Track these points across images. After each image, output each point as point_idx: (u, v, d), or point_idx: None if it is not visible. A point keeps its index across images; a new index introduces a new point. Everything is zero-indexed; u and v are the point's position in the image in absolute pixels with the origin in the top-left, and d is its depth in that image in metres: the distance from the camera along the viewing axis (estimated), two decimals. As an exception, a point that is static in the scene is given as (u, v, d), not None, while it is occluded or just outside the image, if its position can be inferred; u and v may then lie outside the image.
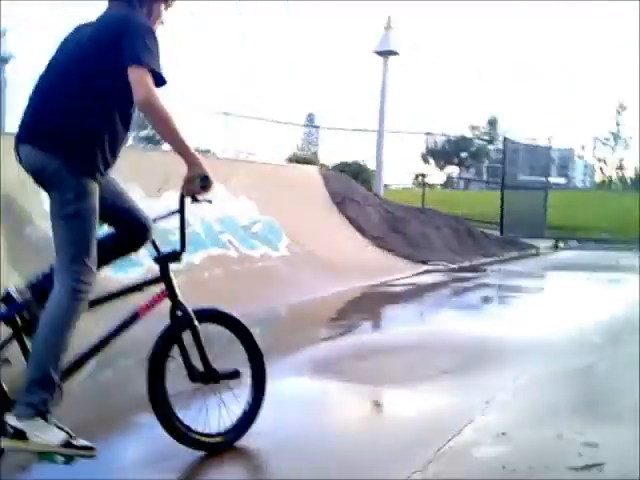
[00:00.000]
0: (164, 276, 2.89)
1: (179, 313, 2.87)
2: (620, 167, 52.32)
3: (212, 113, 25.29)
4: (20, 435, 2.29)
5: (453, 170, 50.35)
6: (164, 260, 2.92)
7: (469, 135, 48.74)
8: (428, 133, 21.78)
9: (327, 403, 3.77)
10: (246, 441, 3.06)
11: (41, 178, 2.61)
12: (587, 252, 14.60)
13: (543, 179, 19.02)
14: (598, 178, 50.46)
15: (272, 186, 9.90)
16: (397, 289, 8.81)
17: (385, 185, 18.28)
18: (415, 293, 8.63)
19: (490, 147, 49.15)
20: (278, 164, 13.85)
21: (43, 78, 2.67)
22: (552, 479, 2.73)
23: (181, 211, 2.92)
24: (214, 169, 8.42)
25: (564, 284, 9.61)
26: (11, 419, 2.32)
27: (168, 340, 2.87)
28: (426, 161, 33.55)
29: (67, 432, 2.38)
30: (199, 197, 2.83)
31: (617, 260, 12.42)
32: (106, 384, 4.34)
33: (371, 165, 18.18)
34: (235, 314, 3.17)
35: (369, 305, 7.85)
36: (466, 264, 11.30)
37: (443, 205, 16.03)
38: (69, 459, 2.36)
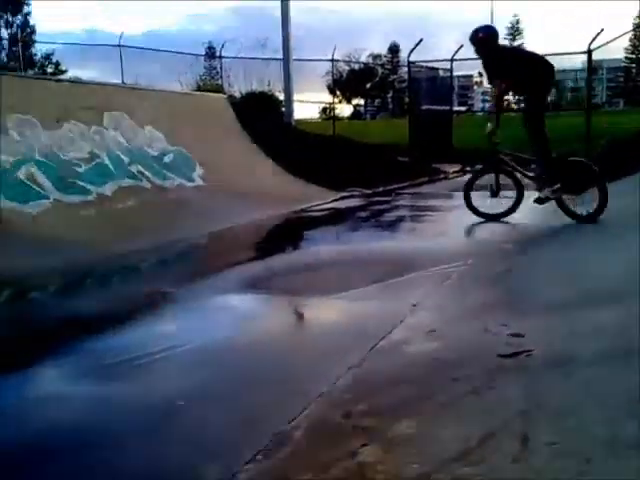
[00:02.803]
0: None
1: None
2: (516, 90, 54.14)
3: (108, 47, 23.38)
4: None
5: (359, 102, 50.34)
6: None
7: (372, 65, 48.65)
8: (334, 60, 21.38)
9: (262, 314, 3.78)
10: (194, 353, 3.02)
11: None
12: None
13: (446, 107, 19.38)
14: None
15: (180, 115, 9.55)
16: (316, 214, 8.83)
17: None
18: (335, 217, 8.70)
19: (393, 76, 49.25)
20: (184, 92, 13.29)
21: None
22: (483, 367, 2.86)
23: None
24: (116, 99, 8.17)
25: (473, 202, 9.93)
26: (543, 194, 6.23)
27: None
28: (333, 93, 33.24)
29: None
30: None
31: (523, 179, 12.97)
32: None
33: (280, 96, 17.79)
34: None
35: (291, 230, 7.87)
36: (380, 189, 11.46)
37: (354, 135, 16.01)
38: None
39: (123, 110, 8.80)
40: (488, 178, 7.02)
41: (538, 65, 6.44)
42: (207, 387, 2.77)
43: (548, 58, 6.72)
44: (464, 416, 2.33)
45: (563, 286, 3.89)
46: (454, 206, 9.87)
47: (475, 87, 68.25)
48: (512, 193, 6.88)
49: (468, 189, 7.01)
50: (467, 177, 14.53)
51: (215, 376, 2.92)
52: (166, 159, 8.70)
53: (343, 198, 10.29)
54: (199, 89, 17.95)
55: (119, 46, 21.73)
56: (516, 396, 2.43)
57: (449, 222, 7.94)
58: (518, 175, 6.79)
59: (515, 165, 6.78)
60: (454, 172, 15.41)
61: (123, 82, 18.40)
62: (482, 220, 7.02)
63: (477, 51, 6.59)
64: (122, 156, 8.11)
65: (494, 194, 6.87)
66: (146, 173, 8.17)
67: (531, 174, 6.64)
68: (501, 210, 6.84)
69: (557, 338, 3.05)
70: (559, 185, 6.16)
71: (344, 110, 44.25)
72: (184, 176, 8.65)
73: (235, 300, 4.38)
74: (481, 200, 7.10)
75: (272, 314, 3.99)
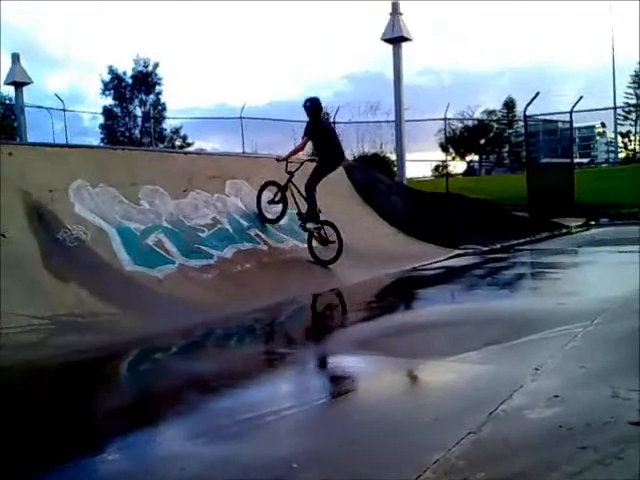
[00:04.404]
0: None
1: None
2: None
3: (230, 118, 25.01)
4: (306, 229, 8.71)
5: (473, 158, 49.70)
6: None
7: (486, 121, 48.09)
8: (446, 119, 21.52)
9: (376, 376, 3.76)
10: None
11: None
12: (620, 228, 14.30)
13: (567, 160, 18.68)
14: (622, 153, 49.11)
15: (296, 180, 9.88)
16: (430, 273, 8.72)
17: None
18: (448, 275, 8.54)
19: (509, 131, 48.38)
20: (299, 158, 13.79)
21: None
22: (612, 435, 2.65)
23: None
24: (237, 168, 8.69)
25: (599, 259, 9.41)
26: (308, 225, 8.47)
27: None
28: (446, 150, 33.17)
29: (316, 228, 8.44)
30: None
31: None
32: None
33: (392, 156, 18.06)
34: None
35: (404, 289, 7.82)
36: (497, 246, 11.16)
37: (468, 192, 15.80)
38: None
39: (243, 178, 9.31)
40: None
41: (335, 146, 8.67)
42: (320, 450, 2.76)
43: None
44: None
45: None
46: (578, 262, 9.40)
47: (598, 138, 65.48)
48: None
49: (259, 195, 8.85)
50: (592, 231, 14.03)
51: (328, 438, 2.91)
52: (282, 222, 9.01)
53: (458, 256, 10.11)
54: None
55: (240, 118, 23.16)
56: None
57: (573, 279, 7.54)
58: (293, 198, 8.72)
59: (296, 193, 8.70)
60: (577, 227, 14.72)
61: (244, 151, 19.48)
62: (609, 277, 6.57)
63: (307, 114, 8.57)
64: (241, 221, 8.52)
65: (273, 202, 8.82)
66: (263, 236, 8.51)
67: (304, 211, 8.58)
68: (274, 217, 8.81)
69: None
70: (317, 226, 8.41)
71: (457, 167, 43.83)
72: (298, 238, 8.91)
73: (348, 361, 4.38)
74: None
75: (386, 376, 3.94)
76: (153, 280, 6.45)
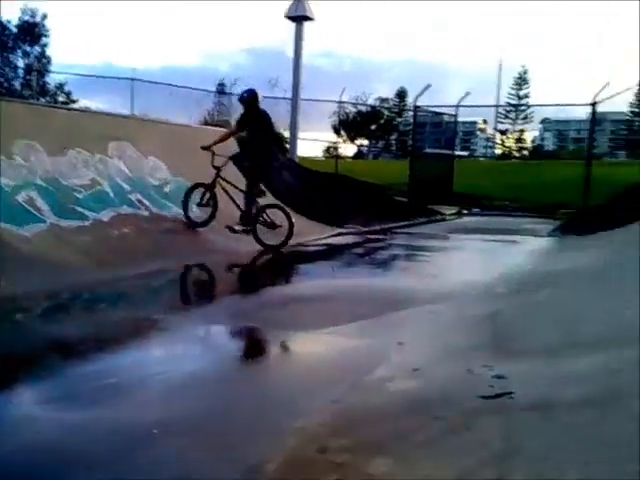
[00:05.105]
0: None
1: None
2: (519, 139, 54.60)
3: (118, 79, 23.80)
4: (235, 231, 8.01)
5: (363, 142, 50.82)
6: None
7: (378, 108, 49.29)
8: (340, 102, 21.82)
9: (247, 346, 3.79)
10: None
11: None
12: (489, 218, 15.23)
13: (449, 152, 19.62)
14: (499, 150, 52.34)
15: (184, 148, 9.61)
16: (312, 249, 8.88)
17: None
18: (329, 253, 8.74)
19: (399, 119, 49.94)
20: (190, 125, 13.44)
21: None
22: (464, 407, 2.84)
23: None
24: (123, 129, 8.27)
25: (468, 245, 10.00)
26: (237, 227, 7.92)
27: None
28: (338, 133, 33.68)
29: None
30: None
31: (518, 225, 13.04)
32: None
33: (285, 133, 18.03)
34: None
35: (284, 263, 7.90)
36: (377, 227, 11.52)
37: (355, 174, 16.16)
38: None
39: (128, 140, 8.91)
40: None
41: (270, 138, 8.59)
42: (184, 417, 2.73)
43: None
44: (440, 455, 2.31)
45: (552, 330, 3.89)
46: (448, 247, 9.93)
47: (479, 133, 69.11)
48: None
49: (186, 198, 8.24)
50: (465, 219, 14.88)
51: (194, 406, 2.88)
52: (166, 189, 8.77)
53: (340, 234, 10.35)
54: (207, 124, 18.19)
55: (131, 79, 22.08)
56: (494, 437, 2.41)
57: (442, 262, 7.97)
58: (228, 196, 8.18)
59: (229, 191, 8.21)
60: (451, 214, 15.51)
61: (132, 114, 18.67)
62: (471, 261, 7.04)
63: (243, 106, 8.41)
64: (123, 184, 8.19)
65: (202, 205, 8.24)
66: (145, 202, 8.24)
67: (241, 207, 8.15)
68: (202, 220, 8.16)
69: (542, 381, 3.04)
70: (252, 228, 8.00)
71: (347, 150, 44.63)
72: (183, 206, 8.70)
73: (222, 331, 4.38)
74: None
75: (259, 347, 4.00)
76: (21, 238, 6.07)
